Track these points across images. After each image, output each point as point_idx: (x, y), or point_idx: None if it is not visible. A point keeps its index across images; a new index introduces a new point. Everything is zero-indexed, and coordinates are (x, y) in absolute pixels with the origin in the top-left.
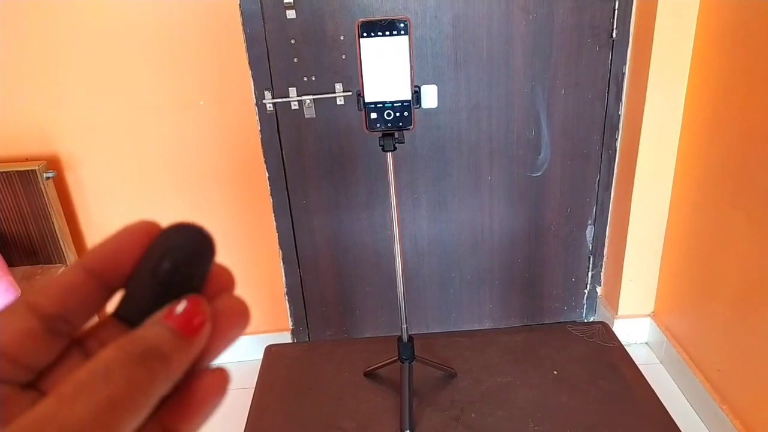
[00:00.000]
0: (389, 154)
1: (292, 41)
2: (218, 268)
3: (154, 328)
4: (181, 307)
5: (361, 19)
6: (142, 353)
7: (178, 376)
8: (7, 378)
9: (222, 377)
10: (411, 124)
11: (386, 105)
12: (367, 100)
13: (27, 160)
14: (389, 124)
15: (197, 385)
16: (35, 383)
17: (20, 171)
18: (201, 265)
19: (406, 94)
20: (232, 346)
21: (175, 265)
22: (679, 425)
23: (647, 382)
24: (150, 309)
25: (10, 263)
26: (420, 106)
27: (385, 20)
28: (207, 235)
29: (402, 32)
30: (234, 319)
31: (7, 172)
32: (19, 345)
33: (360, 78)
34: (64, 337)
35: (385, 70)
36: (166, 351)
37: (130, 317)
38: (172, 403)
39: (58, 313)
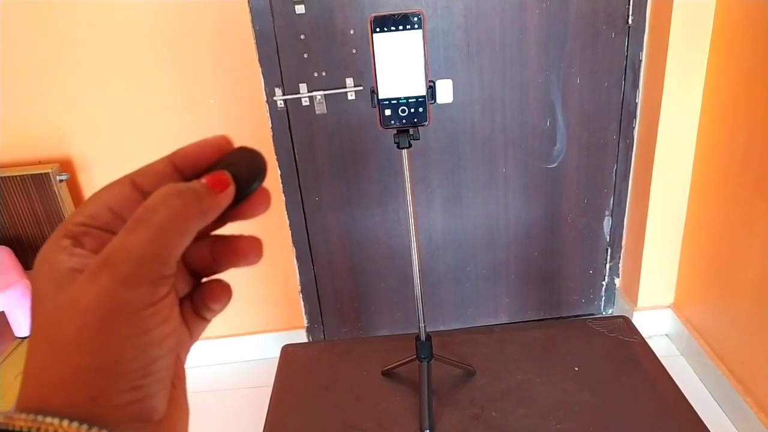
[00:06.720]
0: (404, 151)
1: (302, 36)
2: (264, 192)
3: (191, 182)
4: (210, 175)
5: (373, 14)
6: (179, 190)
7: (209, 216)
8: (112, 229)
9: (256, 241)
10: (426, 120)
11: (401, 101)
12: (381, 97)
13: (40, 163)
14: (404, 121)
15: (239, 238)
16: None
17: (34, 174)
18: (250, 178)
19: (421, 90)
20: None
21: (234, 172)
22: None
23: (671, 377)
24: None
25: (26, 266)
26: (435, 101)
27: (399, 14)
28: (262, 162)
29: (416, 26)
30: (258, 207)
31: (21, 175)
32: (124, 206)
33: (374, 74)
34: None
35: (399, 65)
36: (199, 190)
37: None
38: (220, 245)
39: (151, 190)
